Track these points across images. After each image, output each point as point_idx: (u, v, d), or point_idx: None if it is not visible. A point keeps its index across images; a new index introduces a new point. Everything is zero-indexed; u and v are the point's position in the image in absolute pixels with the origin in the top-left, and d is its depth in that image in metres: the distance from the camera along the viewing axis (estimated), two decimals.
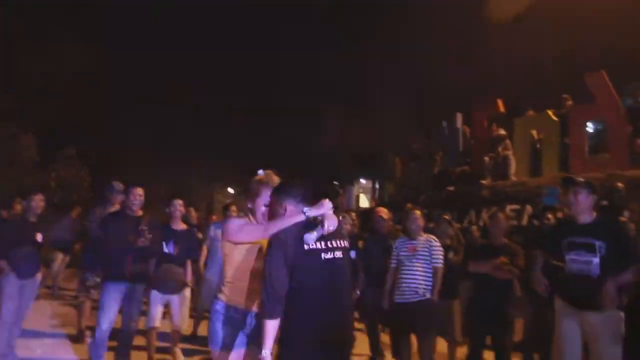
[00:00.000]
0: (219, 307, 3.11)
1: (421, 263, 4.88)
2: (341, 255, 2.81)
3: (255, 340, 2.92)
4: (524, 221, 8.63)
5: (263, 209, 3.13)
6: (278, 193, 2.91)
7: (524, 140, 9.73)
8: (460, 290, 5.60)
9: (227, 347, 3.01)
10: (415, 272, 4.85)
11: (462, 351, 5.72)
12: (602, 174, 8.23)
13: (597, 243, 3.66)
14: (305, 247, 2.71)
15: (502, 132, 10.15)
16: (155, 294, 5.13)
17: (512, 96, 10.38)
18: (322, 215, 2.80)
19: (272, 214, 2.96)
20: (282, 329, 2.65)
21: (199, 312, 6.65)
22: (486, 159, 10.08)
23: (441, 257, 4.96)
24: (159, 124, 16.73)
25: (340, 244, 2.84)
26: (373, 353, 5.76)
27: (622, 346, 3.57)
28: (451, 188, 10.56)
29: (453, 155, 11.17)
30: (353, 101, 16.21)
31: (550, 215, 6.54)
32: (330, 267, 2.76)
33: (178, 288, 5.14)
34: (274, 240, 2.73)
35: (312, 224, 2.76)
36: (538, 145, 9.69)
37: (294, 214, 2.83)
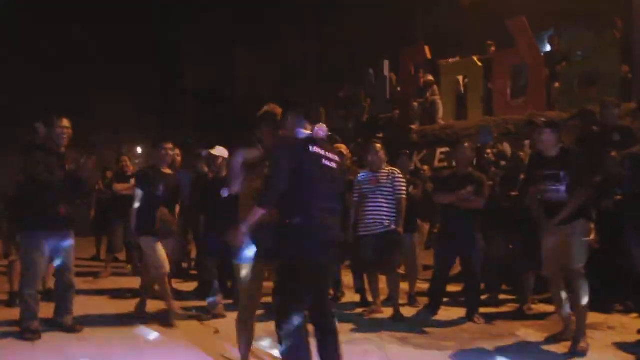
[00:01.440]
0: None
1: (384, 195, 4.99)
2: (335, 167, 3.14)
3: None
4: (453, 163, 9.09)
5: None
6: (260, 120, 3.36)
7: (449, 86, 10.12)
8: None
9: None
10: (379, 204, 4.95)
11: (420, 287, 6.04)
12: (523, 115, 8.84)
13: (561, 173, 4.07)
14: (310, 148, 3.00)
15: (430, 77, 10.47)
16: (147, 239, 4.84)
17: (438, 42, 10.63)
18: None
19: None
20: (284, 228, 2.94)
21: None
22: (415, 104, 10.39)
23: (404, 188, 5.09)
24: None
25: (334, 157, 3.16)
26: (334, 290, 5.87)
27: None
28: (380, 134, 10.80)
29: (381, 102, 11.37)
30: (272, 48, 15.70)
31: (489, 151, 6.94)
32: (329, 173, 3.08)
33: (172, 233, 4.99)
34: (280, 144, 3.07)
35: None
36: (462, 90, 10.14)
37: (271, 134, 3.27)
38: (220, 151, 5.36)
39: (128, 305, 5.35)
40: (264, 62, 16.02)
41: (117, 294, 6.18)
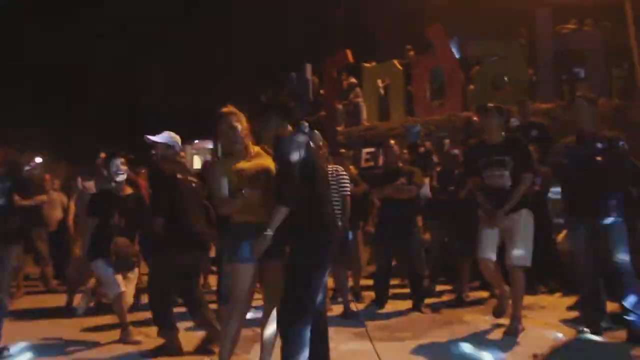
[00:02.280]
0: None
1: (331, 192, 5.06)
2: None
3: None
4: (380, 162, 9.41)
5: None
6: (266, 108, 3.20)
7: (372, 88, 10.46)
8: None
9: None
10: None
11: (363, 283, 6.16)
12: (443, 116, 9.36)
13: (506, 158, 4.22)
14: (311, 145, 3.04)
15: (353, 80, 10.74)
16: (99, 263, 4.49)
17: (359, 47, 10.93)
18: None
19: (260, 126, 3.20)
20: (297, 223, 2.92)
21: None
22: (339, 106, 10.61)
23: (348, 185, 5.18)
24: None
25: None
26: None
27: None
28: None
29: (305, 105, 11.47)
30: (185, 57, 15.30)
31: (420, 149, 7.29)
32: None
33: (132, 265, 4.65)
34: (290, 139, 2.97)
35: None
36: (383, 92, 10.53)
37: (276, 128, 3.12)
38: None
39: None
40: (177, 68, 15.59)
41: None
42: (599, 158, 3.89)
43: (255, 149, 3.31)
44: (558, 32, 9.05)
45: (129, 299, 4.68)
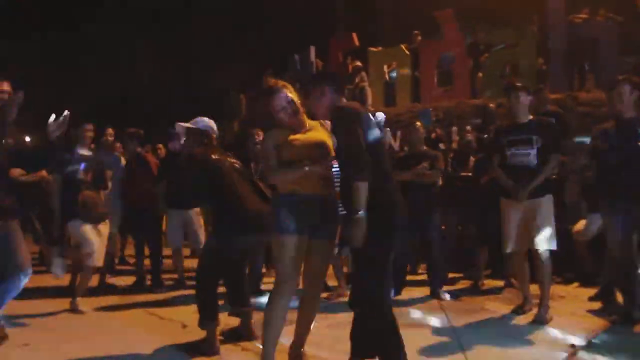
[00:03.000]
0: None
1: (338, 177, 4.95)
2: None
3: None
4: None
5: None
6: (320, 79, 3.07)
7: (378, 73, 10.28)
8: None
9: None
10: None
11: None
12: (451, 103, 9.22)
13: (534, 137, 4.15)
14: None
15: (358, 63, 10.55)
16: (74, 224, 4.74)
17: (367, 30, 10.73)
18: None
19: (312, 100, 2.98)
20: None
21: None
22: (345, 90, 10.38)
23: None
24: None
25: None
26: None
27: None
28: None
29: (308, 88, 11.23)
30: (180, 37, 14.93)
31: (432, 135, 7.14)
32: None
33: (101, 217, 4.76)
34: (353, 110, 2.81)
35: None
36: (388, 78, 10.36)
37: (332, 100, 2.91)
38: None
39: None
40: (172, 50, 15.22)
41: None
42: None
43: (312, 122, 3.12)
44: (571, 21, 8.94)
45: (99, 260, 4.85)
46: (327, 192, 3.02)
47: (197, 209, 5.84)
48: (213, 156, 3.78)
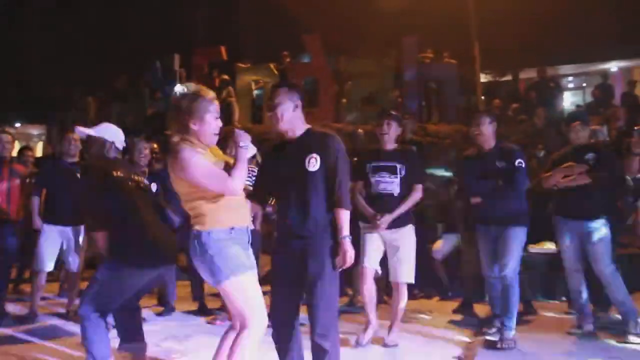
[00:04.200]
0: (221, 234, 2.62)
1: None
2: None
3: None
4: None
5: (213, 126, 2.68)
6: (294, 91, 2.99)
7: (246, 89, 10.30)
8: None
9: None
10: None
11: None
12: (316, 125, 9.61)
13: (398, 165, 4.18)
14: None
15: (226, 77, 10.44)
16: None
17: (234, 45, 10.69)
18: None
19: (280, 113, 2.91)
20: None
21: None
22: None
23: None
24: None
25: None
26: None
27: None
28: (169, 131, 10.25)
29: (169, 98, 10.76)
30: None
31: None
32: None
33: None
34: (341, 149, 2.88)
35: None
36: (255, 94, 10.46)
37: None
38: None
39: None
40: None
41: None
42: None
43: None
44: (421, 61, 10.03)
45: None
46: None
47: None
48: (115, 173, 3.37)
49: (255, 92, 10.34)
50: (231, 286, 2.58)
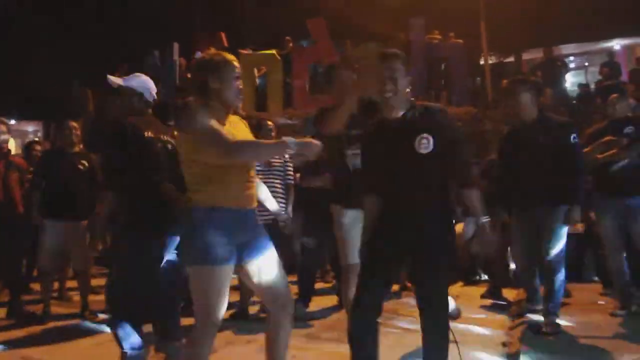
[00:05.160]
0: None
1: (277, 178, 4.70)
2: None
3: None
4: None
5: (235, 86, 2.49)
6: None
7: (248, 77, 9.99)
8: None
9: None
10: (274, 187, 4.58)
11: None
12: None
13: None
14: None
15: None
16: None
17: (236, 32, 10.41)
18: None
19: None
20: None
21: None
22: None
23: (292, 174, 4.88)
24: None
25: None
26: None
27: None
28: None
29: (171, 88, 10.47)
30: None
31: None
32: None
33: None
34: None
35: None
36: (258, 82, 10.17)
37: None
38: None
39: None
40: None
41: None
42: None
43: (232, 118, 2.57)
44: (429, 41, 9.78)
45: None
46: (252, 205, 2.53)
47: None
48: (146, 133, 3.03)
49: (258, 80, 10.07)
50: (191, 274, 2.38)
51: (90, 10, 12.68)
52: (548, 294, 3.90)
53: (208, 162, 2.36)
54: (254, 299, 4.59)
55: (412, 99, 2.64)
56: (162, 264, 3.07)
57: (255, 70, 10.16)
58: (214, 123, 2.32)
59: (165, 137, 3.16)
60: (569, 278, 5.73)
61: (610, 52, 12.43)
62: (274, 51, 9.92)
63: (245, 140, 2.47)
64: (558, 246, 3.83)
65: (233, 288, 5.16)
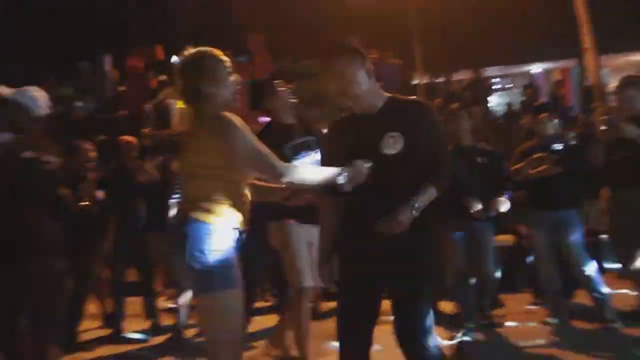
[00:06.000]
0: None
1: None
2: None
3: None
4: None
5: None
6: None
7: None
8: None
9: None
10: None
11: None
12: (261, 126, 9.33)
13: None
14: None
15: (164, 77, 9.87)
16: None
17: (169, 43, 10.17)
18: None
19: None
20: None
21: None
22: (147, 106, 9.60)
23: None
24: None
25: None
26: None
27: None
28: (103, 137, 9.54)
29: (101, 101, 10.05)
30: None
31: None
32: None
33: None
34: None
35: None
36: None
37: None
38: None
39: None
40: None
41: None
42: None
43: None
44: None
45: None
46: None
47: None
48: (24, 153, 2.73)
49: None
50: (222, 298, 2.15)
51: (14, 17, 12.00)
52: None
53: (236, 179, 2.24)
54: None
55: (389, 94, 2.36)
56: None
57: None
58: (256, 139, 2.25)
59: (46, 157, 2.86)
60: (501, 288, 6.06)
61: (530, 75, 13.28)
62: None
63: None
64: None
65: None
